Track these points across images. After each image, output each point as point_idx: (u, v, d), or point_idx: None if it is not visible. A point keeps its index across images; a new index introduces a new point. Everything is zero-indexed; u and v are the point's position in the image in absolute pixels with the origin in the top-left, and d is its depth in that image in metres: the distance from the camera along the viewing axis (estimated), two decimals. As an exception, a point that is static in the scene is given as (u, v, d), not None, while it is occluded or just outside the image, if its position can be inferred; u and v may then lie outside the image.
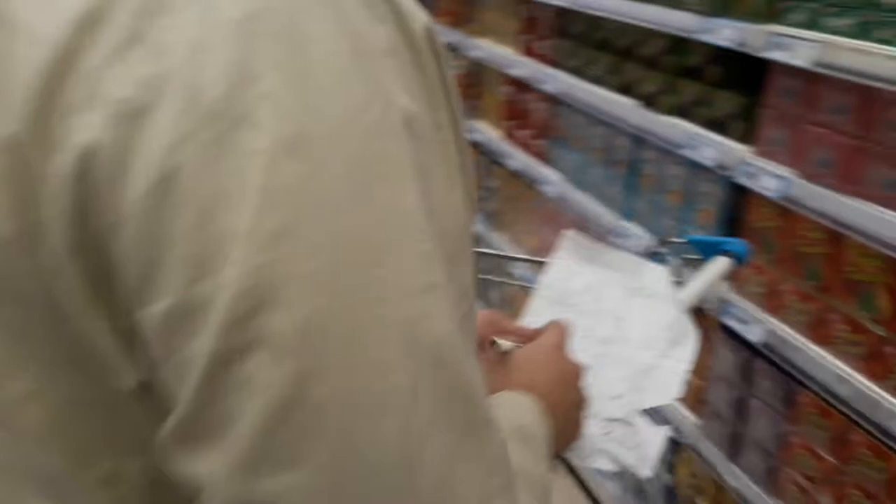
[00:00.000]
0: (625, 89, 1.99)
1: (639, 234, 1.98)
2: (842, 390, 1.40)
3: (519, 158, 2.61)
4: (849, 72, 1.28)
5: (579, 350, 0.95)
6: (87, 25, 0.36)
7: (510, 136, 2.71)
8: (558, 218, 2.45)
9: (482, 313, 0.98)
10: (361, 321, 0.37)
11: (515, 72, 2.51)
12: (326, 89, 0.38)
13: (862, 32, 1.28)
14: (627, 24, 1.91)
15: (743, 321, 1.63)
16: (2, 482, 0.44)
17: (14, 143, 0.36)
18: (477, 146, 3.00)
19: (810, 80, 1.40)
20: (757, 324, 1.59)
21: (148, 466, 0.42)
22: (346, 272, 0.37)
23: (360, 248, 0.38)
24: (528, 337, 0.83)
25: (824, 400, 1.45)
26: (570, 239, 1.10)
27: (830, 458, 1.47)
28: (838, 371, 1.41)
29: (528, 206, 2.67)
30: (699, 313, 1.81)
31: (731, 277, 1.65)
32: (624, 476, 2.24)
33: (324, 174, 0.37)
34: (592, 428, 0.86)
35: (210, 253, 0.35)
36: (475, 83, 2.97)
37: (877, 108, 1.28)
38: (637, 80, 1.93)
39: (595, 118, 2.13)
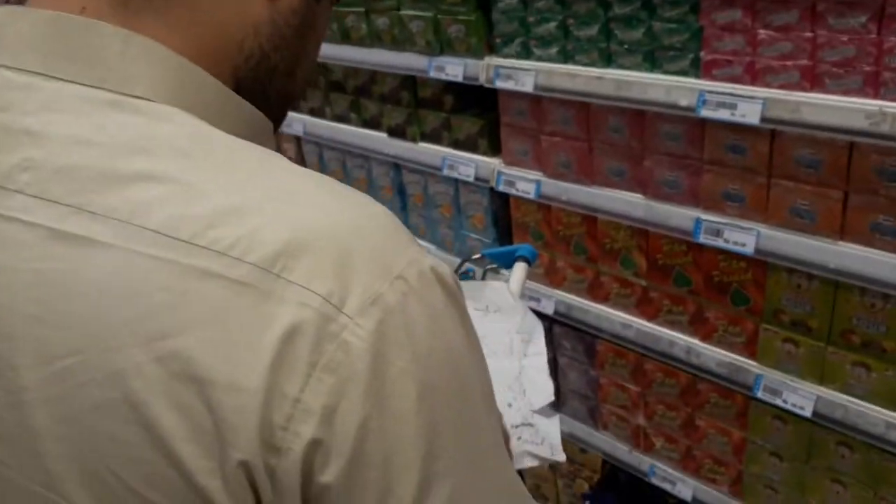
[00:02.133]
0: (369, 124, 2.16)
1: (425, 245, 2.19)
2: (628, 334, 1.74)
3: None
4: (563, 91, 1.57)
5: None
6: (277, 365, 0.45)
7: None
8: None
9: None
10: None
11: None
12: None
13: (566, 58, 1.57)
14: (358, 68, 2.07)
15: (535, 299, 1.92)
16: None
17: (246, 464, 0.46)
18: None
19: (535, 101, 1.67)
20: (546, 298, 1.89)
21: None
22: None
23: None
24: None
25: (617, 345, 1.79)
26: None
27: (634, 387, 1.82)
28: (620, 320, 1.75)
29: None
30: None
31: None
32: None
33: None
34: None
35: None
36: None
37: (592, 116, 1.58)
38: (379, 114, 2.10)
39: (349, 152, 2.28)
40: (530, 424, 1.10)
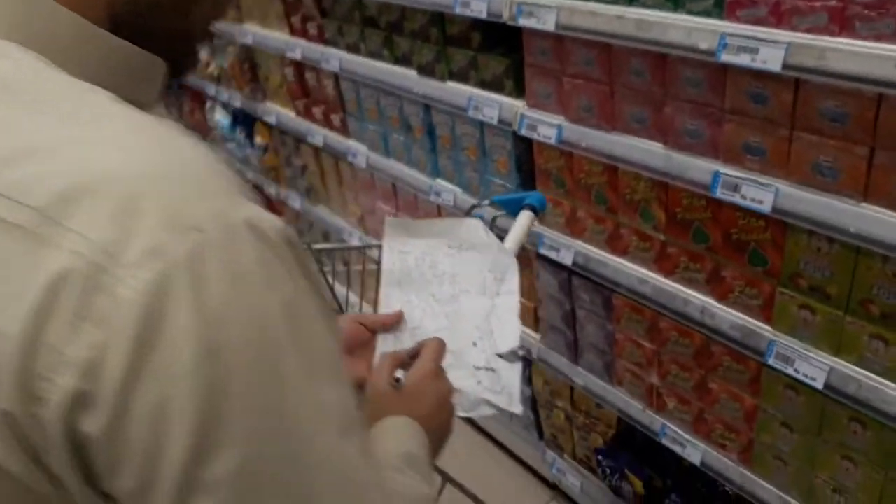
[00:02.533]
0: (400, 61, 2.11)
1: (450, 188, 2.16)
2: (644, 289, 1.68)
3: (320, 134, 2.68)
4: (584, 31, 1.48)
5: (432, 316, 1.12)
6: (45, 315, 0.44)
7: (305, 113, 2.76)
8: (374, 184, 2.58)
9: (349, 317, 1.13)
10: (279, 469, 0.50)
11: (292, 54, 2.55)
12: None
13: (589, -5, 1.48)
14: (390, 3, 2.01)
15: (555, 248, 1.86)
16: None
17: (9, 414, 0.46)
18: (274, 128, 3.03)
19: (557, 40, 1.59)
20: (566, 248, 1.83)
21: None
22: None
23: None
24: (412, 356, 1.00)
25: (633, 300, 1.73)
26: (391, 224, 1.25)
27: (649, 345, 1.76)
28: (637, 275, 1.68)
29: (341, 178, 2.76)
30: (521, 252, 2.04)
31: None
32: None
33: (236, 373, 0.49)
34: (466, 382, 1.04)
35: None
36: (252, 67, 2.96)
37: (614, 58, 1.49)
38: (409, 52, 2.05)
39: (382, 90, 2.24)
40: (492, 369, 1.06)
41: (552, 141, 1.70)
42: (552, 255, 1.87)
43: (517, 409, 1.03)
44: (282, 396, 0.50)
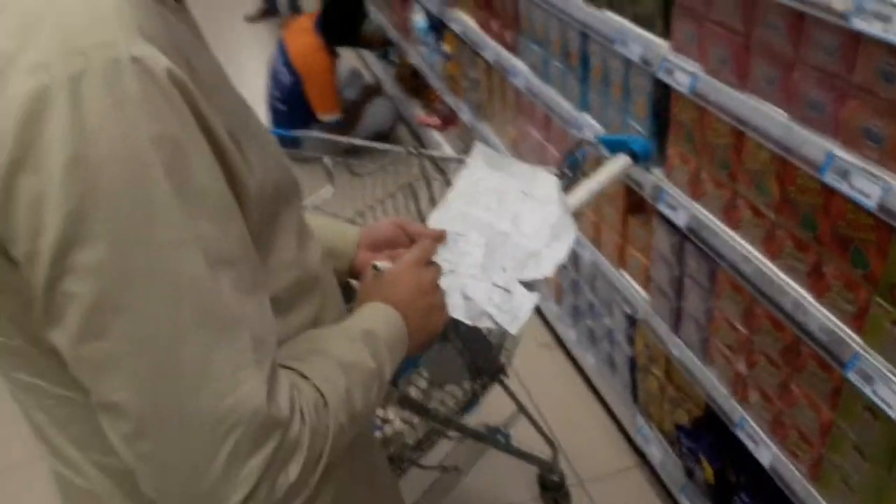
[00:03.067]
0: (569, -16, 2.03)
1: (592, 125, 2.08)
2: (746, 268, 1.54)
3: (492, 49, 2.67)
4: (730, -26, 1.34)
5: (479, 239, 1.14)
6: None
7: (485, 26, 2.75)
8: (530, 109, 2.54)
9: (392, 220, 1.18)
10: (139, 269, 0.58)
11: (480, -36, 2.53)
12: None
13: (742, -67, 1.32)
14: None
15: (672, 207, 1.75)
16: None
17: None
18: (458, 37, 3.05)
19: (706, -21, 1.45)
20: (683, 209, 1.71)
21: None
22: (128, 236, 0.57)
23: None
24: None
25: (735, 277, 1.59)
26: (479, 150, 1.28)
27: (743, 329, 1.63)
28: (743, 251, 1.55)
29: (505, 98, 2.75)
30: (640, 200, 1.95)
31: (666, 167, 1.78)
32: (597, 349, 2.44)
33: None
34: (479, 293, 1.06)
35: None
36: (450, -26, 2.99)
37: (755, 7, 1.34)
38: (577, -26, 1.96)
39: (549, 11, 2.18)
40: (507, 290, 1.07)
41: (685, 90, 1.57)
42: (669, 213, 1.76)
43: (513, 329, 1.04)
44: (148, 215, 0.57)
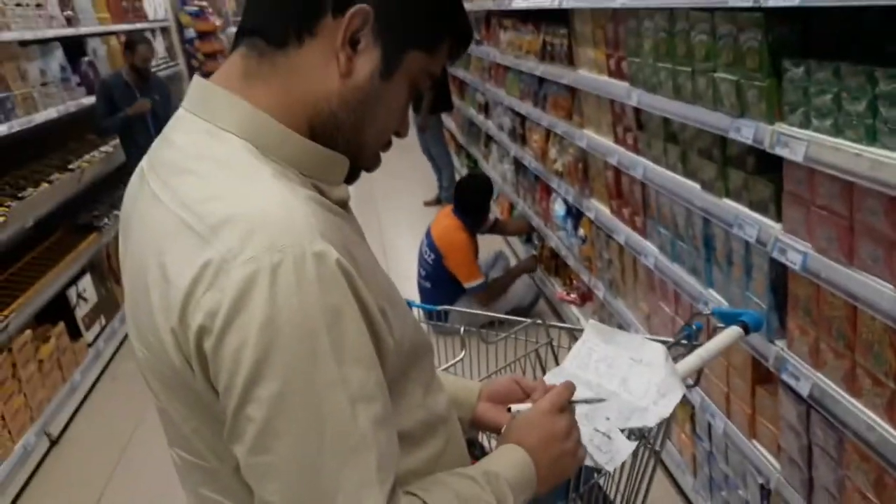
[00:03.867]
0: (689, 174, 2.27)
1: (717, 299, 2.22)
2: (870, 437, 1.59)
3: (624, 233, 2.91)
4: (827, 165, 1.53)
5: (590, 394, 1.28)
6: (196, 280, 0.81)
7: (617, 212, 3.02)
8: (660, 285, 2.72)
9: (510, 377, 1.34)
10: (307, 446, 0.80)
11: (612, 159, 2.84)
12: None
13: (837, 132, 1.52)
14: (686, 124, 2.21)
15: (795, 376, 1.83)
16: (188, 472, 0.95)
17: (174, 331, 0.83)
18: (592, 222, 3.33)
19: (809, 171, 1.64)
20: (805, 379, 1.80)
21: None
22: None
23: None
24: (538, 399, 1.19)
25: (861, 447, 1.63)
26: (593, 325, 1.45)
27: (874, 499, 1.64)
28: (867, 419, 1.60)
29: (637, 276, 2.95)
30: (766, 371, 2.02)
31: (787, 339, 1.88)
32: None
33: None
34: (583, 433, 1.20)
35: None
36: (585, 167, 3.32)
37: (855, 194, 1.51)
38: (697, 167, 2.21)
39: (674, 200, 2.41)
40: (608, 436, 1.20)
41: (797, 267, 1.72)
42: (792, 382, 1.84)
43: (610, 467, 1.16)
44: (311, 362, 0.79)
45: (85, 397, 4.20)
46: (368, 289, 0.85)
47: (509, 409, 1.17)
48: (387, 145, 1.01)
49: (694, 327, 1.64)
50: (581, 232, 3.55)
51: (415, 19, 0.92)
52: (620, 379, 1.35)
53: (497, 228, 4.88)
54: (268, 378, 0.78)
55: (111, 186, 5.20)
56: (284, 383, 0.78)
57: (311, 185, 0.91)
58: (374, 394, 0.83)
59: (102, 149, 5.08)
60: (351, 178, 0.99)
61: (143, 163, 0.97)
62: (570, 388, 1.17)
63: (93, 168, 4.69)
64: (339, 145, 0.94)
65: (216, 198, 0.83)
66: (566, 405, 1.14)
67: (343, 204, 0.97)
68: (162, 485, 3.19)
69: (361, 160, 0.98)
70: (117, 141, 5.19)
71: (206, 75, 0.96)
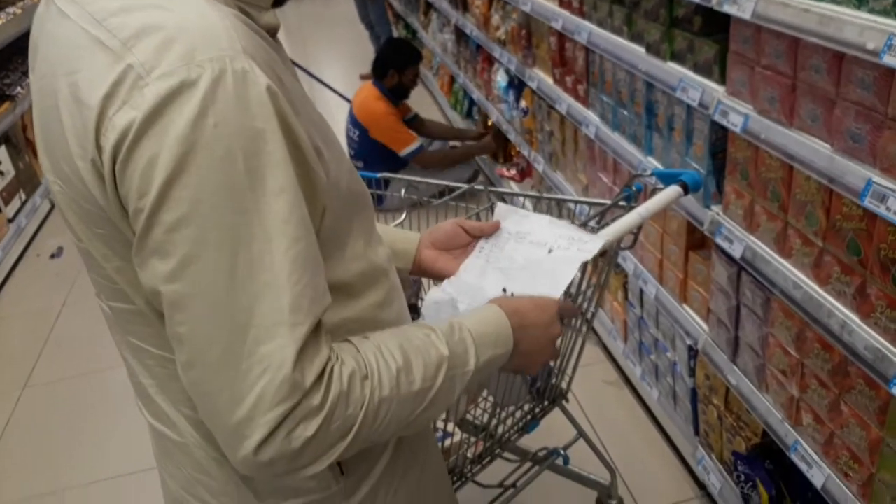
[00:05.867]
0: (634, 38, 2.21)
1: (655, 167, 2.22)
2: (796, 294, 1.64)
3: (565, 102, 2.86)
4: (775, 21, 1.49)
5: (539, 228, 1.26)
6: (108, 98, 0.73)
7: (559, 81, 2.95)
8: (599, 156, 2.70)
9: (453, 220, 1.31)
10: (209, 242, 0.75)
11: (556, 24, 2.75)
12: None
13: (787, -14, 1.48)
14: (631, -20, 2.12)
15: (729, 239, 1.87)
16: (117, 321, 0.92)
17: (93, 160, 0.76)
18: (535, 92, 3.26)
19: (756, 30, 1.60)
20: (738, 241, 1.83)
21: None
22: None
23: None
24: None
25: (787, 304, 1.69)
26: (502, 207, 1.39)
27: (795, 354, 1.71)
28: (794, 279, 1.65)
29: (577, 147, 2.92)
30: (701, 237, 2.06)
31: (723, 203, 1.90)
32: (661, 384, 2.53)
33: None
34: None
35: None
36: (528, 35, 3.22)
37: (799, 52, 1.48)
38: (643, 30, 2.14)
39: (618, 65, 2.36)
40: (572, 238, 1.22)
41: (738, 129, 1.71)
42: (725, 245, 1.88)
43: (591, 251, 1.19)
44: (227, 186, 0.73)
45: (8, 275, 4.06)
46: (298, 118, 0.79)
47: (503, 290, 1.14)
48: None
49: (633, 189, 1.64)
50: (523, 104, 3.48)
51: None
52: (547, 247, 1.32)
53: (416, 125, 4.53)
54: (176, 200, 0.73)
55: (23, 52, 4.83)
56: (193, 207, 0.73)
57: (237, 8, 0.83)
58: (296, 232, 0.78)
59: (10, 9, 4.68)
60: (279, 1, 0.91)
61: None
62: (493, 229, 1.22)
63: (1, 31, 4.33)
64: None
65: (129, 10, 0.75)
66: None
67: (272, 32, 0.89)
68: (94, 358, 3.17)
69: None
70: (26, 1, 4.78)
71: None
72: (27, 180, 4.53)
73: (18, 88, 4.58)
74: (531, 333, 1.05)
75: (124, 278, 0.86)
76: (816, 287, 1.59)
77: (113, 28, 0.75)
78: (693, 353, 2.25)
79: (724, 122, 1.77)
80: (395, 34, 7.31)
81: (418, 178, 2.22)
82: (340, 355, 0.84)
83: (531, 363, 1.08)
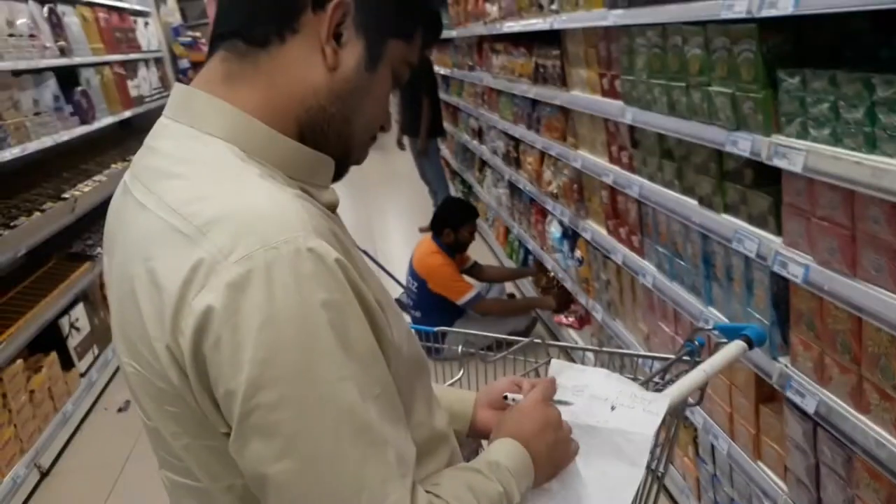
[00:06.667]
0: (686, 191, 2.25)
1: (717, 317, 2.19)
2: (881, 454, 1.54)
3: (621, 252, 2.88)
4: (826, 174, 1.50)
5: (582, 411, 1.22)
6: (187, 282, 0.77)
7: (613, 232, 2.99)
8: (659, 305, 2.68)
9: (507, 378, 1.31)
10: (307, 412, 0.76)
11: (607, 179, 2.82)
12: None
13: (836, 141, 1.50)
14: (682, 139, 2.19)
15: (800, 393, 1.79)
16: (179, 495, 0.91)
17: (168, 346, 0.79)
18: (589, 243, 3.30)
19: (809, 182, 1.61)
20: (810, 395, 1.75)
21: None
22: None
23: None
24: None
25: (871, 464, 1.58)
26: (556, 363, 1.37)
27: (886, 519, 1.59)
28: (875, 436, 1.56)
29: (635, 296, 2.91)
30: (771, 389, 1.98)
31: (791, 354, 1.84)
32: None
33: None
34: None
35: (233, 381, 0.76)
36: (580, 188, 3.30)
37: (856, 203, 1.48)
38: (694, 183, 2.18)
39: (671, 217, 2.39)
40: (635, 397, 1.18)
41: (799, 281, 1.69)
42: (797, 399, 1.80)
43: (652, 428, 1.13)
44: (318, 358, 0.76)
45: (76, 428, 4.13)
46: (366, 285, 0.83)
47: (505, 398, 1.16)
48: (372, 139, 1.00)
49: (696, 343, 1.61)
50: (577, 253, 3.51)
51: (390, 8, 0.93)
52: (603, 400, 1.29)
53: (475, 272, 4.69)
54: (272, 382, 0.75)
55: (105, 216, 5.16)
56: (290, 385, 0.75)
57: (299, 188, 0.89)
58: (382, 389, 0.81)
59: (96, 178, 5.05)
60: (338, 174, 0.97)
61: (126, 175, 0.95)
62: (553, 382, 1.19)
63: (86, 197, 4.66)
64: (330, 139, 0.92)
65: (203, 198, 0.80)
66: (552, 395, 1.16)
67: (332, 208, 0.95)
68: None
69: (351, 153, 0.97)
70: (111, 169, 5.17)
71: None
72: (101, 336, 4.71)
73: (98, 249, 4.85)
74: (544, 444, 1.06)
75: (191, 455, 0.87)
76: (901, 445, 1.50)
77: (189, 215, 0.79)
78: (773, 515, 2.10)
79: (784, 273, 1.74)
80: (452, 190, 7.59)
81: (475, 332, 2.23)
82: (432, 501, 0.86)
83: (554, 467, 1.09)
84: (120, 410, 4.29)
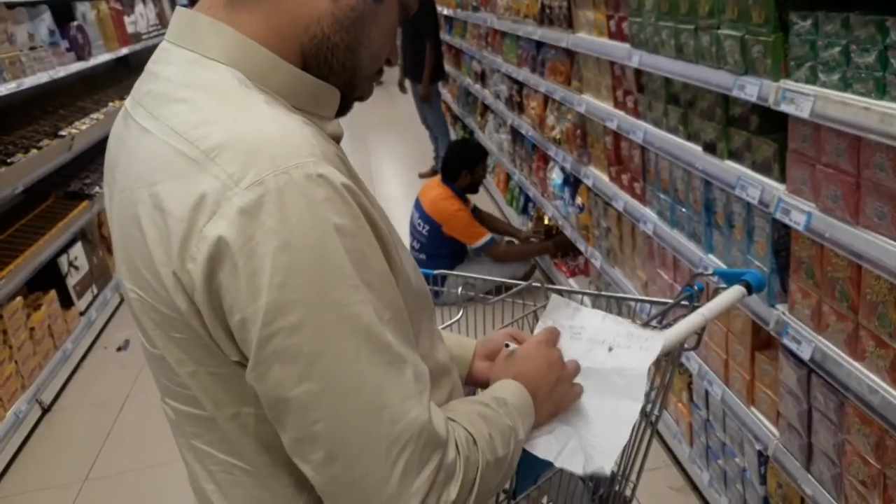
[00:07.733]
0: (691, 137, 2.22)
1: (716, 264, 2.18)
2: (873, 399, 1.56)
3: (622, 199, 2.87)
4: (834, 120, 1.48)
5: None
6: (196, 209, 0.76)
7: (615, 179, 2.97)
8: (658, 253, 2.68)
9: (505, 331, 1.32)
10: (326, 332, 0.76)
11: (611, 124, 2.79)
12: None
13: (845, 86, 1.47)
14: (688, 83, 2.15)
15: (796, 340, 1.80)
16: (182, 424, 0.92)
17: (176, 274, 0.78)
18: (590, 189, 3.28)
19: (815, 128, 1.59)
20: (806, 342, 1.76)
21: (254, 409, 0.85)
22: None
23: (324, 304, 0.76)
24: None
25: (863, 409, 1.60)
26: (556, 299, 1.38)
27: (875, 463, 1.61)
28: (869, 382, 1.57)
29: (635, 243, 2.90)
30: (767, 336, 1.99)
31: (789, 302, 1.84)
32: (730, 491, 2.40)
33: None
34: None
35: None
36: (583, 134, 3.27)
37: (862, 150, 1.46)
38: (699, 129, 2.16)
39: (674, 163, 2.37)
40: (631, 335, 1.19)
41: (801, 228, 1.68)
42: (793, 346, 1.81)
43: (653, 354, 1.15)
44: (336, 281, 0.75)
45: (77, 366, 4.17)
46: (375, 211, 0.83)
47: (507, 346, 1.16)
48: (378, 73, 0.98)
49: (695, 288, 1.61)
50: (578, 200, 3.50)
51: None
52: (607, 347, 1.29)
53: (478, 217, 4.61)
54: (290, 305, 0.74)
55: (103, 153, 5.12)
56: (309, 308, 0.75)
57: (303, 118, 0.87)
58: (396, 314, 0.82)
59: (93, 115, 5.00)
60: (343, 109, 0.96)
61: (127, 101, 0.93)
62: (556, 330, 1.20)
63: (83, 135, 4.61)
64: (334, 69, 0.90)
65: (210, 123, 0.79)
66: (556, 340, 1.18)
67: (336, 140, 0.93)
68: (155, 452, 3.19)
69: (355, 86, 0.95)
70: (108, 108, 5.10)
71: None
72: (100, 275, 4.72)
73: (97, 188, 4.83)
74: (546, 383, 1.08)
75: (197, 383, 0.87)
76: (894, 392, 1.51)
77: (195, 140, 0.78)
78: (763, 458, 2.14)
79: (786, 220, 1.74)
80: (453, 135, 7.52)
81: (475, 276, 2.23)
82: (448, 422, 0.88)
83: (556, 406, 1.10)
84: (119, 349, 4.33)
